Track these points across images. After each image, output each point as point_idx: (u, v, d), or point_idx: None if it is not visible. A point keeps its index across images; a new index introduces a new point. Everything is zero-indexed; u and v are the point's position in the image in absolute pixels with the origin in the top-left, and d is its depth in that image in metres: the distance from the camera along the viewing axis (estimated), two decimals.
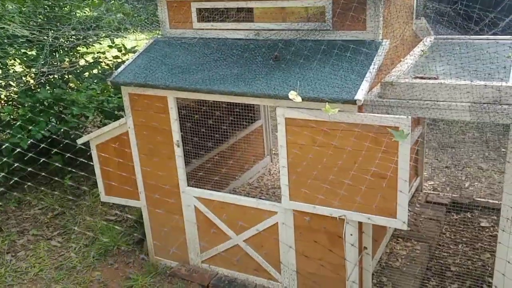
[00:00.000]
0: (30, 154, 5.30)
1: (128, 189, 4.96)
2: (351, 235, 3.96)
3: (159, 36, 4.85)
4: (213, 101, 4.71)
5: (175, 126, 4.38)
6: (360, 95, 3.49)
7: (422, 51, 4.70)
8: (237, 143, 6.02)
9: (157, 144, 4.54)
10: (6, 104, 7.07)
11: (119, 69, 4.57)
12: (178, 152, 4.47)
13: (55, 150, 6.04)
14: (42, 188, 6.66)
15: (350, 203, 3.83)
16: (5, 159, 6.47)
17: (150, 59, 4.58)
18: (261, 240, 4.42)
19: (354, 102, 3.48)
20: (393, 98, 3.70)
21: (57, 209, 6.23)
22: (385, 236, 4.96)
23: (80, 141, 5.07)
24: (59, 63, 6.83)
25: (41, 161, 5.57)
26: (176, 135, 4.41)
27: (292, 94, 3.55)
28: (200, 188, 4.60)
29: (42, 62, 6.13)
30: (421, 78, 3.76)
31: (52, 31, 6.45)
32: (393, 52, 4.34)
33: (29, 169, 5.79)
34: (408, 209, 5.61)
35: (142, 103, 4.47)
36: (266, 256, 4.45)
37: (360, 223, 4.00)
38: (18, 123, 6.44)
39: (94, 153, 5.03)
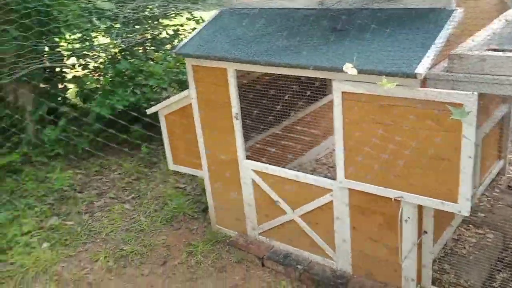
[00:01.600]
0: (114, 123, 5.61)
1: (192, 159, 5.10)
2: (408, 217, 3.75)
3: (225, 8, 4.84)
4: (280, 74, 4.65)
5: (234, 99, 4.39)
6: (421, 69, 3.23)
7: (507, 20, 4.22)
8: (305, 118, 5.90)
9: (217, 116, 4.59)
10: (91, 75, 7.54)
11: (184, 41, 4.65)
12: (237, 125, 4.48)
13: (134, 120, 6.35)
14: (122, 155, 7.07)
15: (407, 185, 3.61)
16: (89, 126, 6.96)
17: (214, 31, 4.60)
18: (316, 217, 4.34)
19: (414, 76, 3.24)
20: (461, 73, 3.37)
21: (133, 175, 6.59)
22: (453, 221, 4.64)
23: (149, 111, 5.28)
24: (139, 36, 7.11)
25: (122, 130, 5.90)
26: (235, 108, 4.42)
27: (347, 67, 3.37)
28: (258, 161, 4.59)
29: (124, 34, 6.43)
30: (494, 50, 3.39)
31: (134, 3, 6.72)
32: (469, 21, 3.95)
33: (111, 131, 6.15)
34: (485, 194, 5.21)
35: (203, 75, 4.52)
36: (321, 234, 4.37)
37: (420, 206, 3.77)
38: (101, 93, 6.86)
39: (162, 123, 5.22)
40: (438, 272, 4.16)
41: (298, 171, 4.41)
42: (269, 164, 4.51)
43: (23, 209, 5.78)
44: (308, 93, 5.02)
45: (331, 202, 4.16)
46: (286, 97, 5.05)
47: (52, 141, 7.06)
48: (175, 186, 6.21)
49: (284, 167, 4.54)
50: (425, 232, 3.94)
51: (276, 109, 4.91)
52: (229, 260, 4.78)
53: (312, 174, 4.34)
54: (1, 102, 7.20)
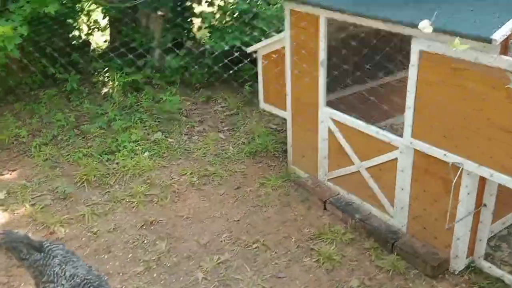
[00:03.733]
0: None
1: (280, 100, 5.43)
2: (466, 186, 3.72)
3: None
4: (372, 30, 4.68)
5: (322, 46, 4.57)
6: (498, 35, 3.14)
7: None
8: (392, 84, 5.82)
9: (305, 61, 4.81)
10: (215, 12, 8.09)
11: None
12: (321, 71, 4.67)
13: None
14: (228, 91, 7.63)
15: (470, 153, 3.58)
16: (205, 60, 7.59)
17: None
18: (381, 172, 4.46)
19: (489, 41, 3.15)
20: None
21: (233, 110, 7.13)
22: None
23: (249, 50, 5.67)
24: None
25: (232, 67, 6.36)
26: (322, 55, 4.60)
27: (424, 24, 3.37)
28: (335, 109, 4.76)
29: None
30: None
31: None
32: None
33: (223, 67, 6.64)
34: None
35: (298, 19, 4.74)
36: (383, 189, 4.49)
37: (483, 178, 3.71)
38: (219, 30, 7.41)
39: (259, 62, 5.59)
40: (493, 248, 4.08)
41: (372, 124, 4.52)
42: (345, 114, 4.68)
43: (135, 121, 6.66)
44: (399, 58, 4.99)
45: (396, 159, 4.25)
46: (377, 58, 5.08)
47: (172, 69, 7.85)
48: (267, 125, 6.63)
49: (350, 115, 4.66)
50: (485, 205, 3.88)
51: (365, 68, 4.98)
52: (294, 198, 5.14)
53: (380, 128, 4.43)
54: (135, 24, 8.08)
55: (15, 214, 5.07)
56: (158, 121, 6.79)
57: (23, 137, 6.47)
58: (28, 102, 7.33)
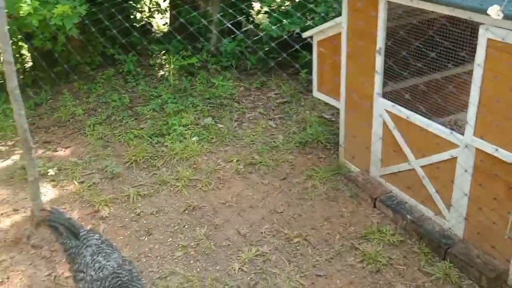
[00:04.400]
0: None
1: (334, 89, 5.16)
2: None
3: None
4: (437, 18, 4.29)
5: (381, 33, 4.26)
6: None
7: None
8: (457, 78, 5.35)
9: (362, 48, 4.52)
10: None
11: None
12: (379, 60, 4.36)
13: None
14: (283, 77, 7.43)
15: None
16: (262, 45, 7.42)
17: None
18: (437, 171, 4.11)
19: None
20: None
21: (287, 97, 6.93)
22: None
23: (305, 35, 5.43)
24: None
25: (289, 54, 6.13)
26: (380, 43, 4.29)
27: (493, 9, 3.01)
28: (392, 101, 4.44)
29: None
30: None
31: None
32: None
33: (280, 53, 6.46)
34: None
35: (357, 3, 4.44)
36: (439, 189, 4.15)
37: None
38: (277, 14, 7.20)
39: (314, 48, 5.34)
40: None
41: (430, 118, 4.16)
42: (403, 107, 4.35)
43: (188, 105, 6.62)
44: (466, 48, 4.55)
45: (455, 158, 3.89)
46: (441, 48, 4.66)
47: (228, 53, 7.76)
48: (320, 115, 6.37)
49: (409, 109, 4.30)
50: None
51: (428, 59, 4.58)
52: (343, 193, 4.88)
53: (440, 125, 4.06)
54: (195, 7, 8.03)
55: (64, 191, 5.17)
56: (210, 106, 6.72)
57: (79, 115, 6.62)
58: (86, 82, 7.50)
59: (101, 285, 3.08)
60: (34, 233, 4.44)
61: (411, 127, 4.25)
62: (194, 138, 5.94)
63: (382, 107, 4.51)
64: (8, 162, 5.80)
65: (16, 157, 5.85)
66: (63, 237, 3.44)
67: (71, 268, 3.34)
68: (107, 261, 3.21)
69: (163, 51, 8.18)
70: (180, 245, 4.35)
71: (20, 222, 4.65)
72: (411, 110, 4.28)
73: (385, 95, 4.54)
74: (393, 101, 4.46)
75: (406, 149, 4.37)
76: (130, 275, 3.19)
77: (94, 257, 3.23)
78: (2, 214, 4.85)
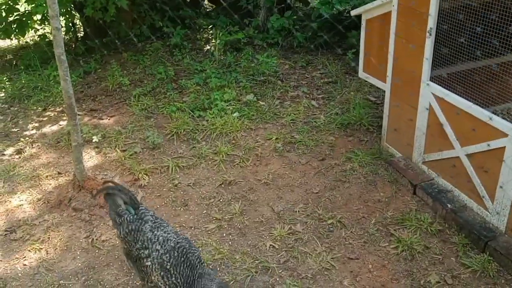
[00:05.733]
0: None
1: (380, 70, 5.00)
2: None
3: None
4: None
5: (432, 12, 4.06)
6: None
7: None
8: None
9: (412, 28, 4.33)
10: None
11: None
12: (429, 41, 4.17)
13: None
14: (330, 57, 7.28)
15: None
16: (310, 23, 7.28)
17: None
18: (483, 160, 3.92)
19: None
20: None
21: (332, 77, 6.78)
22: None
23: (353, 13, 5.26)
24: None
25: (338, 33, 6.00)
26: (432, 22, 4.09)
27: None
28: (440, 85, 4.25)
29: None
30: None
31: None
32: None
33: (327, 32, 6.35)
34: None
35: None
36: (484, 180, 3.96)
37: None
38: None
39: (362, 27, 5.17)
40: None
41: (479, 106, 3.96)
42: (452, 92, 4.15)
43: (231, 81, 6.61)
44: None
45: (503, 148, 3.69)
46: (497, 33, 4.39)
47: (275, 30, 7.66)
48: (365, 97, 6.21)
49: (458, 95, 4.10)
50: None
51: (481, 44, 4.33)
52: (382, 177, 4.76)
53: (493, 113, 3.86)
54: None
55: (106, 157, 5.31)
56: (253, 83, 6.68)
57: (125, 85, 6.76)
58: (134, 53, 7.62)
59: (170, 256, 3.16)
60: (75, 197, 4.60)
61: (459, 113, 4.06)
62: (235, 114, 5.94)
63: (429, 91, 4.32)
64: (56, 127, 6.02)
65: (63, 122, 6.06)
66: (123, 208, 3.40)
67: (131, 248, 3.30)
68: (168, 234, 3.28)
69: (211, 26, 8.18)
70: (214, 218, 4.39)
71: (63, 185, 4.83)
72: (460, 96, 4.08)
73: (433, 79, 4.35)
74: (441, 86, 4.27)
75: (452, 136, 4.18)
76: (189, 243, 3.30)
77: (155, 232, 3.27)
78: (47, 176, 5.05)
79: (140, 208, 3.44)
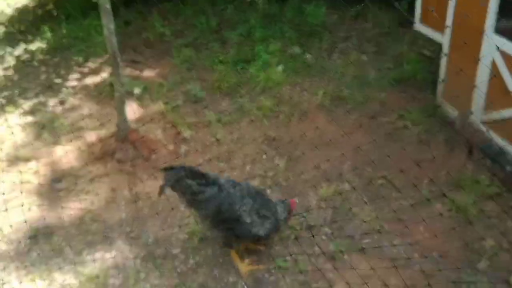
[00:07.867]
0: None
1: (439, 21, 4.61)
2: None
3: None
4: None
5: None
6: None
7: None
8: None
9: None
10: None
11: None
12: None
13: None
14: (383, 6, 6.82)
15: None
16: None
17: None
18: None
19: None
20: None
21: (384, 30, 6.36)
22: None
23: None
24: None
25: None
26: None
27: None
28: (506, 38, 3.86)
29: None
30: None
31: None
32: None
33: None
34: None
35: None
36: None
37: None
38: None
39: None
40: None
41: None
42: None
43: (275, 32, 6.33)
44: None
45: None
46: None
47: None
48: (420, 51, 5.81)
49: None
50: None
51: None
52: (437, 137, 4.48)
53: None
54: None
55: (148, 110, 5.23)
56: (299, 34, 6.37)
57: (167, 36, 6.59)
58: (175, 3, 7.40)
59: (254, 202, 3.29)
60: (119, 148, 4.56)
61: None
62: (279, 67, 5.70)
63: (493, 43, 3.95)
64: (98, 78, 5.97)
65: (105, 74, 6.00)
66: (196, 188, 3.14)
67: (224, 214, 3.21)
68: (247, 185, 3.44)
69: None
70: (257, 174, 4.28)
71: (106, 137, 4.80)
72: None
73: (498, 30, 3.97)
74: (507, 38, 3.88)
75: None
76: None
77: (238, 194, 3.26)
78: (90, 128, 5.04)
79: (221, 181, 3.27)
